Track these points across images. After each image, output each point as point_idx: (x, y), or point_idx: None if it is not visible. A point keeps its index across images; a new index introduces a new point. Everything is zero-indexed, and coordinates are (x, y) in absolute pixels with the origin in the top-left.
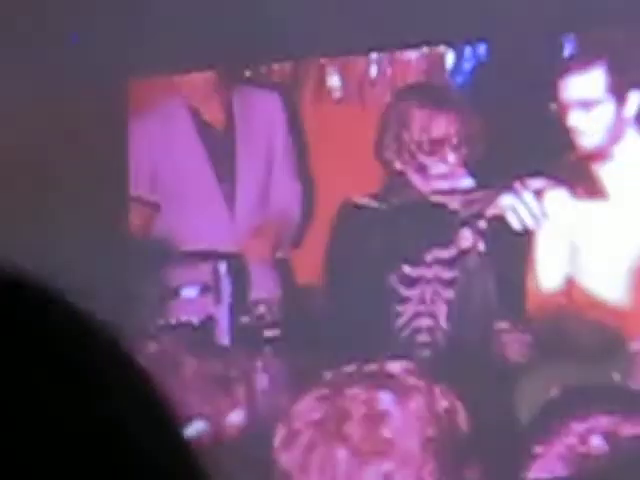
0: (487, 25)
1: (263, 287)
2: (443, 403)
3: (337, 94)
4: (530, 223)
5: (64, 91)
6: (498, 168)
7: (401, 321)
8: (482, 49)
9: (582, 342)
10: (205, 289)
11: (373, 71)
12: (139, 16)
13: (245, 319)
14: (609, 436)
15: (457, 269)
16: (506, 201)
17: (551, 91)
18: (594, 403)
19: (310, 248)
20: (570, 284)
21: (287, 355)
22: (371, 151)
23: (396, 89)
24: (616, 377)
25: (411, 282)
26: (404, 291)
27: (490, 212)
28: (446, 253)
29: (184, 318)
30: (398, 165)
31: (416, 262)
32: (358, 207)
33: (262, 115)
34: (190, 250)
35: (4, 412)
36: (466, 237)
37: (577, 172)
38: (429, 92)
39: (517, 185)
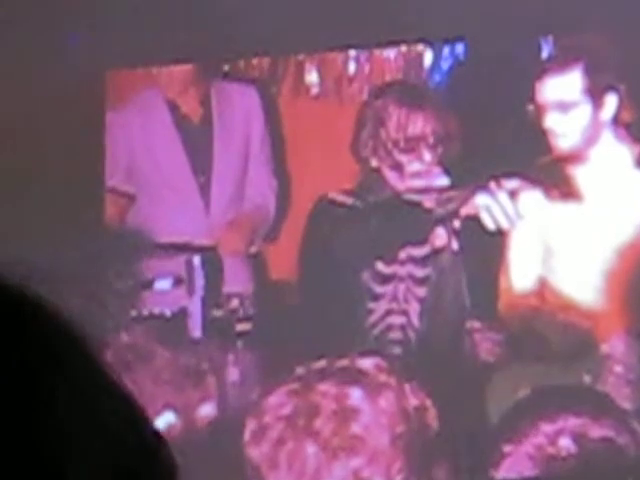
0: (466, 24)
1: (236, 281)
2: (413, 401)
3: (315, 90)
4: (504, 223)
5: (42, 83)
6: (473, 168)
7: (373, 318)
8: (460, 48)
9: (553, 343)
10: (178, 281)
11: (351, 68)
12: (118, 8)
13: (218, 312)
14: (578, 437)
15: (430, 267)
16: (481, 201)
17: (528, 92)
18: (564, 404)
19: (284, 243)
20: (543, 285)
21: (259, 349)
22: (347, 148)
23: (374, 86)
24: (586, 379)
25: (384, 279)
26: (377, 288)
27: (465, 211)
28: (420, 251)
29: (157, 310)
30: (374, 162)
31: (390, 259)
32: (333, 203)
33: (239, 109)
34: (164, 242)
35: None
36: (440, 236)
37: (552, 174)
38: (406, 90)
39: (492, 185)
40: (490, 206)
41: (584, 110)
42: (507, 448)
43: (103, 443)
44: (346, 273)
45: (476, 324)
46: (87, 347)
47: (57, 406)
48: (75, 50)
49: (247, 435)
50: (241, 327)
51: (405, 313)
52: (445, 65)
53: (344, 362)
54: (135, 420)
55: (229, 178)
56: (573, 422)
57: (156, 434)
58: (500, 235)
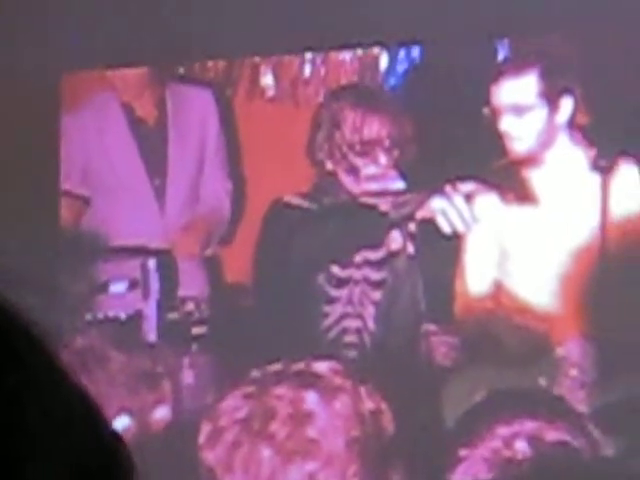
0: (421, 28)
1: (191, 284)
2: (369, 404)
3: (270, 93)
4: (460, 227)
5: None
6: (429, 171)
7: (328, 321)
8: (416, 52)
9: (509, 346)
10: (133, 284)
11: (307, 71)
12: (73, 11)
13: (173, 315)
14: (533, 441)
15: (386, 271)
16: (436, 204)
17: (484, 95)
18: (519, 407)
19: (240, 246)
20: (498, 288)
21: (214, 352)
22: (303, 151)
23: (329, 89)
24: (542, 382)
25: (339, 283)
26: (332, 291)
27: (420, 215)
28: (375, 255)
29: (112, 313)
30: (329, 165)
31: (345, 263)
32: (288, 206)
33: (195, 112)
34: (119, 245)
35: None
36: (396, 239)
37: (508, 177)
38: (362, 93)
39: (448, 188)
40: (446, 209)
41: (540, 113)
42: (463, 452)
43: (64, 442)
44: (301, 276)
45: (432, 327)
46: (47, 347)
47: (19, 405)
48: (30, 53)
49: (202, 438)
50: (196, 330)
51: (360, 316)
52: (401, 68)
53: (299, 365)
54: (94, 420)
55: (184, 181)
56: (529, 425)
57: (114, 434)
58: (456, 238)
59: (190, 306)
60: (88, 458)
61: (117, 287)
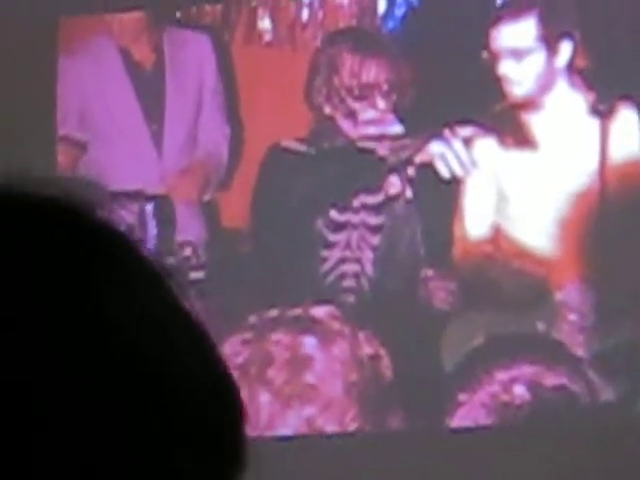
0: None
1: (189, 229)
2: (367, 349)
3: (268, 37)
4: (458, 171)
5: None
6: (428, 115)
7: (327, 266)
8: None
9: (507, 291)
10: (131, 230)
11: (304, 15)
12: None
13: (170, 261)
14: (532, 385)
15: (384, 215)
16: (435, 148)
17: (482, 39)
18: (518, 352)
19: (237, 191)
20: (497, 233)
21: (211, 298)
22: (301, 95)
23: (327, 33)
24: (540, 327)
25: (338, 227)
26: (330, 236)
27: (419, 159)
28: (373, 199)
29: None
30: (327, 110)
31: (343, 207)
32: (286, 151)
33: (192, 56)
34: (117, 190)
35: None
36: (394, 183)
37: (507, 121)
38: (360, 37)
39: (446, 133)
40: (444, 154)
41: (538, 57)
42: (461, 396)
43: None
44: (299, 221)
45: (430, 272)
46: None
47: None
48: None
49: None
50: (194, 275)
51: (359, 261)
52: (399, 12)
53: (297, 311)
54: (210, 359)
55: (182, 126)
56: (527, 370)
57: (228, 374)
58: (454, 183)
59: (187, 251)
60: (203, 396)
61: None
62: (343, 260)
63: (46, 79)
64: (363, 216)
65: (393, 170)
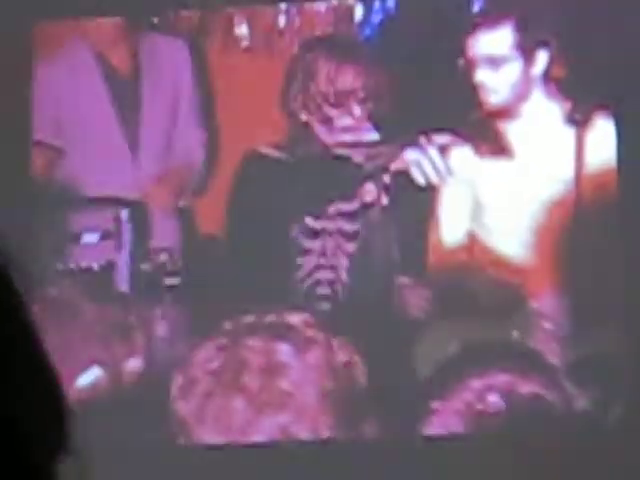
0: None
1: (164, 235)
2: (342, 356)
3: (245, 43)
4: (434, 179)
5: None
6: (404, 123)
7: (302, 273)
8: (391, 2)
9: (482, 299)
10: (106, 235)
11: (281, 21)
12: None
13: (146, 266)
14: (506, 393)
15: (360, 222)
16: (411, 156)
17: (459, 47)
18: (493, 360)
19: (213, 197)
20: (472, 240)
21: (187, 304)
22: (277, 101)
23: (304, 40)
24: (515, 335)
25: (313, 234)
26: (306, 243)
27: (394, 166)
28: (349, 206)
29: (84, 264)
30: (303, 116)
31: (319, 214)
32: (262, 157)
33: (169, 62)
34: (93, 196)
35: None
36: (370, 191)
37: (483, 129)
38: (336, 44)
39: (422, 140)
40: (420, 161)
41: (515, 66)
42: (436, 404)
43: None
44: (275, 227)
45: (405, 280)
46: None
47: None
48: (2, 2)
49: (174, 390)
50: (169, 281)
51: (334, 268)
52: (376, 19)
53: (272, 317)
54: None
55: (158, 132)
56: (502, 378)
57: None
58: (430, 190)
59: (163, 257)
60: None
61: (90, 238)
62: (318, 267)
63: (22, 84)
64: (339, 223)
65: (369, 177)
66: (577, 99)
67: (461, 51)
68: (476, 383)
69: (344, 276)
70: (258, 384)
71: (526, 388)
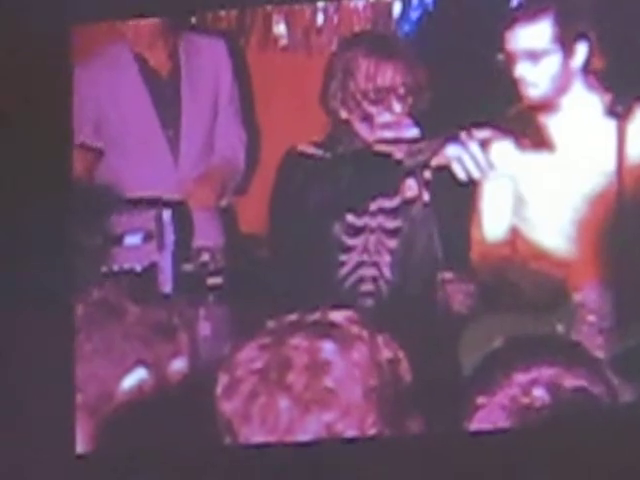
0: None
1: (207, 235)
2: (386, 353)
3: (283, 42)
4: (475, 174)
5: (6, 41)
6: (444, 118)
7: (344, 270)
8: None
9: (526, 293)
10: (148, 236)
11: (319, 19)
12: None
13: (188, 267)
14: (551, 387)
15: (401, 219)
16: (452, 151)
17: (498, 42)
18: (537, 354)
19: (254, 196)
20: (515, 235)
21: (230, 303)
22: (316, 99)
23: (342, 37)
24: (559, 328)
25: (355, 231)
26: (348, 240)
27: (435, 162)
28: (390, 203)
29: (127, 265)
30: (343, 114)
31: (360, 211)
32: (303, 155)
33: (208, 62)
34: (134, 197)
35: None
36: (411, 187)
37: (523, 123)
38: (375, 41)
39: (463, 135)
40: (461, 156)
41: (554, 59)
42: (480, 399)
43: None
44: (316, 225)
45: (448, 275)
46: None
47: None
48: (39, 5)
49: (219, 390)
50: (212, 281)
51: (376, 265)
52: (414, 15)
53: (316, 315)
54: None
55: (198, 131)
56: (547, 372)
57: None
58: (471, 185)
59: (205, 257)
60: None
61: (132, 239)
62: (361, 264)
63: (61, 87)
64: (380, 220)
65: (410, 173)
66: (618, 91)
67: (500, 45)
68: (521, 377)
69: (387, 272)
70: (303, 383)
71: (571, 382)
